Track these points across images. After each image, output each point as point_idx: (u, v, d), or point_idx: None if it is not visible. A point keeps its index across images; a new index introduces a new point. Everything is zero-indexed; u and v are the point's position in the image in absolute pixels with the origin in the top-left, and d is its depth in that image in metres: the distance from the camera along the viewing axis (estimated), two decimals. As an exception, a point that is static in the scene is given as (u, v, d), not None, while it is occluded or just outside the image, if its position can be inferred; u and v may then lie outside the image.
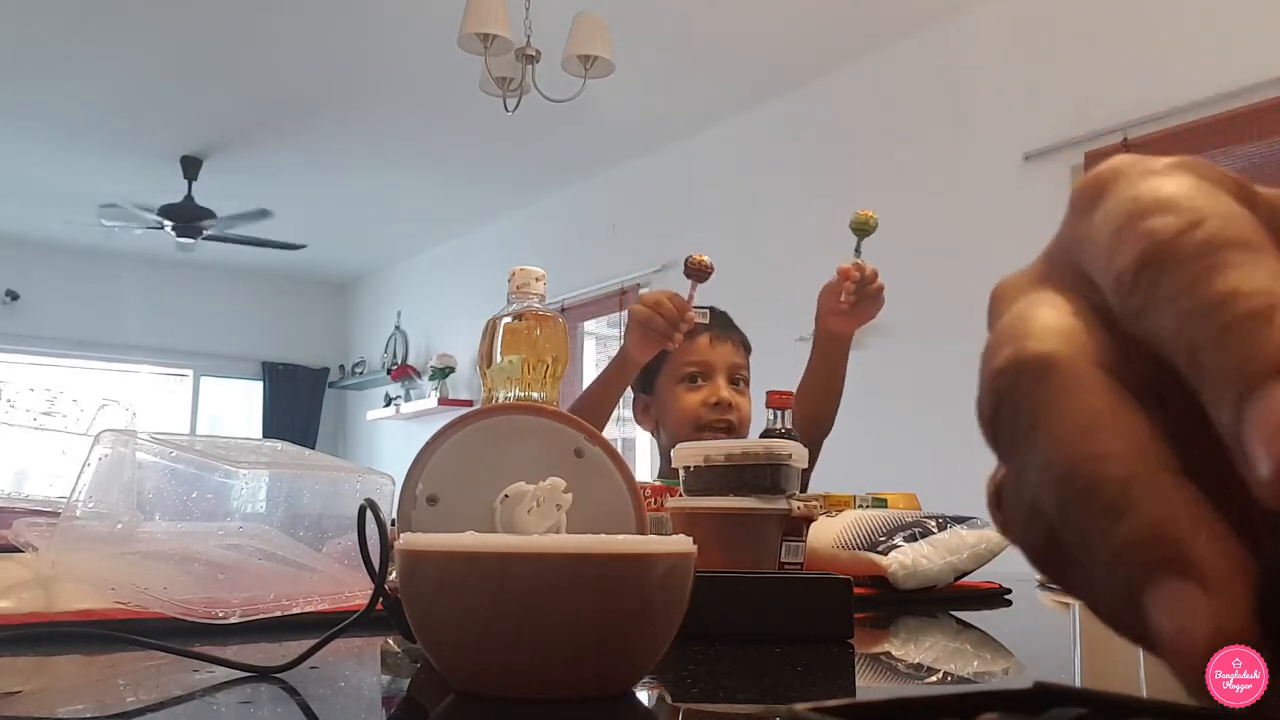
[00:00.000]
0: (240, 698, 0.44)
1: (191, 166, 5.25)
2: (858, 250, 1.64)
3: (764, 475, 0.97)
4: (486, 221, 6.17)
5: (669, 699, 0.46)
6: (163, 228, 5.24)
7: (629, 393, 1.92)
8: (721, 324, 1.86)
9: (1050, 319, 0.21)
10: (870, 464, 2.62)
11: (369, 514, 0.46)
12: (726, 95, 4.43)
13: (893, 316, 3.77)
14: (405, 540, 0.41)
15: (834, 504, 1.22)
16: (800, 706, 0.20)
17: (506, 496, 0.44)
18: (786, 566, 0.96)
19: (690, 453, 1.01)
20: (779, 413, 1.22)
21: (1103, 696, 0.24)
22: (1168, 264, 0.19)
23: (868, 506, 1.24)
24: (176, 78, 4.38)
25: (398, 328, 7.02)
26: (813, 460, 1.62)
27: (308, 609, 0.66)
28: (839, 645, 0.63)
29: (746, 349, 1.89)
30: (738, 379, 1.84)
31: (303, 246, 5.64)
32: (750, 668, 0.55)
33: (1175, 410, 0.20)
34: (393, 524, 0.52)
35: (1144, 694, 0.25)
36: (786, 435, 1.23)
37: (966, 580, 1.09)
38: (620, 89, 3.57)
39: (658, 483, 1.22)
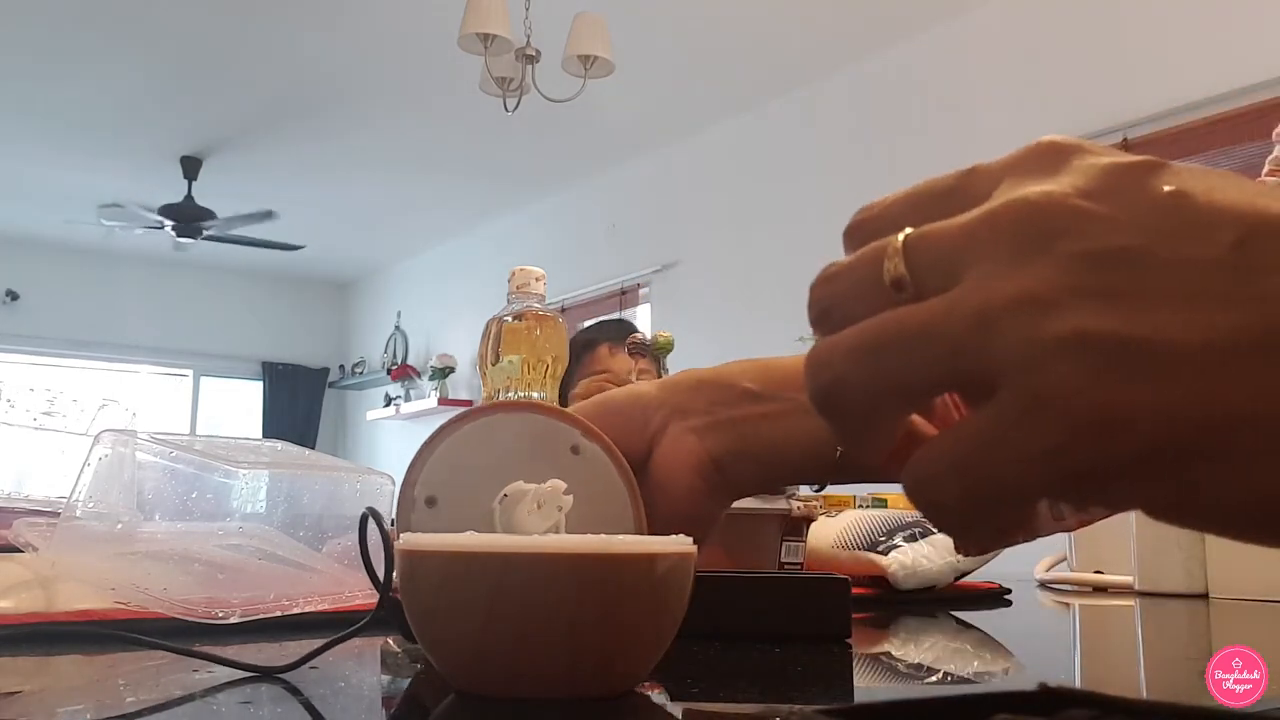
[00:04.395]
0: (241, 698, 0.44)
1: (191, 166, 5.25)
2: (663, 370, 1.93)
3: (764, 475, 0.97)
4: (486, 221, 6.17)
5: (669, 699, 0.46)
6: (163, 228, 5.24)
7: None
8: (622, 333, 1.97)
9: None
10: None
11: (370, 521, 0.46)
12: (726, 95, 4.43)
13: (893, 316, 3.78)
14: (405, 540, 0.41)
15: (834, 504, 1.22)
16: (811, 709, 0.20)
17: (506, 496, 0.44)
18: (786, 566, 0.96)
19: (690, 453, 1.01)
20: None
21: (1107, 699, 0.24)
22: None
23: (868, 506, 1.24)
24: (176, 78, 4.38)
25: (398, 328, 7.02)
26: None
27: (308, 609, 0.66)
28: (839, 645, 0.63)
29: (654, 356, 2.05)
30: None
31: (301, 247, 5.62)
32: (750, 668, 0.55)
33: None
34: (392, 523, 0.52)
35: (1144, 694, 0.25)
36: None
37: (966, 580, 1.09)
38: (620, 89, 3.57)
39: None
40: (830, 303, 0.28)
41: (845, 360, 0.26)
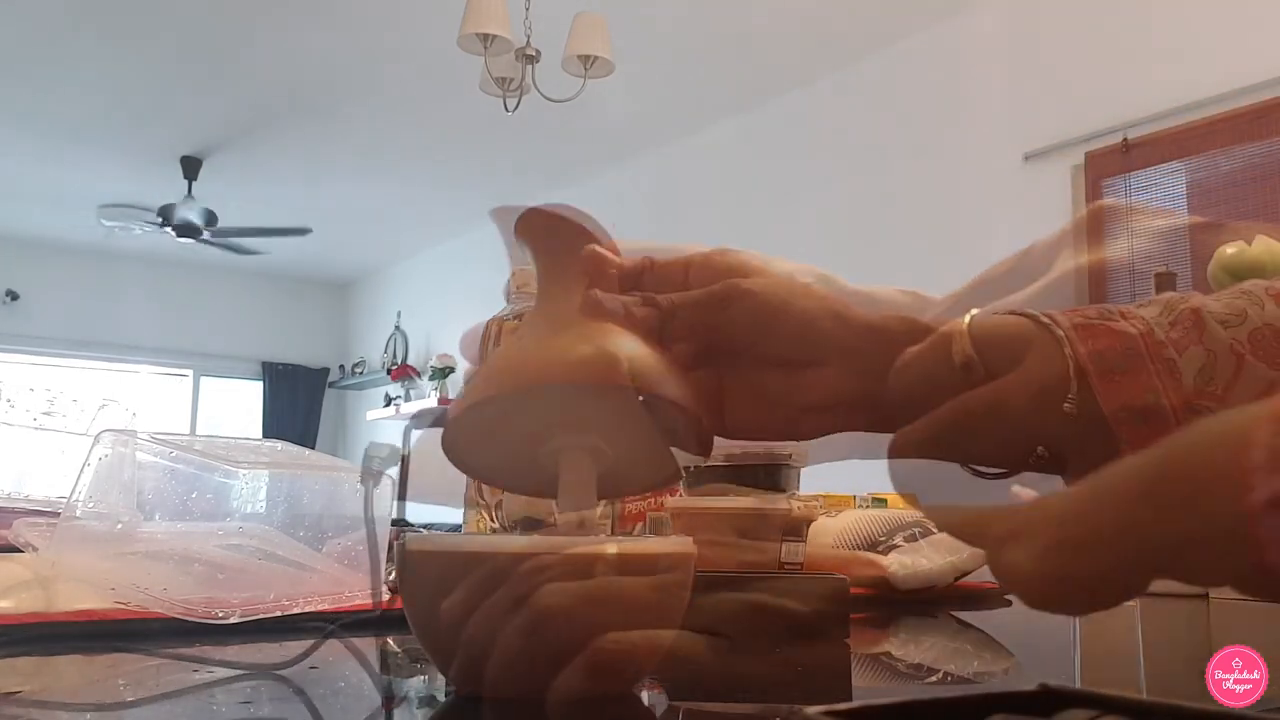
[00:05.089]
0: (240, 697, 0.44)
1: (191, 166, 5.25)
2: None
3: (764, 475, 0.97)
4: (487, 221, 6.11)
5: (669, 699, 0.46)
6: (163, 227, 5.24)
7: None
8: None
9: None
10: (870, 464, 2.61)
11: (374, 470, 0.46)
12: (726, 95, 4.43)
13: (893, 316, 3.78)
14: (407, 540, 0.41)
15: (834, 504, 1.22)
16: (812, 710, 0.20)
17: (560, 451, 0.43)
18: (786, 566, 0.96)
19: (690, 453, 1.01)
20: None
21: (1107, 698, 0.24)
22: None
23: (868, 506, 1.24)
24: (176, 78, 4.37)
25: (398, 328, 7.02)
26: None
27: (308, 609, 0.66)
28: (839, 645, 0.63)
29: None
30: None
31: (308, 230, 5.54)
32: (750, 668, 0.55)
33: None
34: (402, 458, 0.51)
35: (1144, 694, 0.25)
36: (786, 435, 1.22)
37: (967, 580, 1.09)
38: (620, 89, 3.57)
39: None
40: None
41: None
